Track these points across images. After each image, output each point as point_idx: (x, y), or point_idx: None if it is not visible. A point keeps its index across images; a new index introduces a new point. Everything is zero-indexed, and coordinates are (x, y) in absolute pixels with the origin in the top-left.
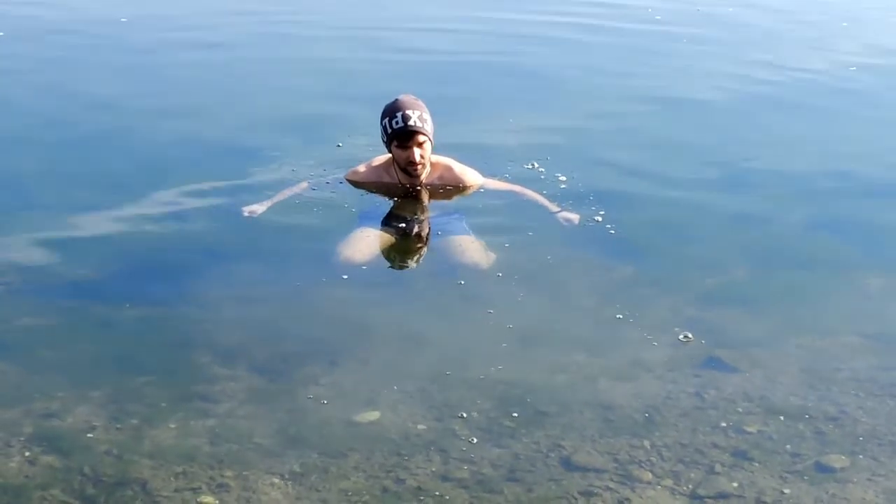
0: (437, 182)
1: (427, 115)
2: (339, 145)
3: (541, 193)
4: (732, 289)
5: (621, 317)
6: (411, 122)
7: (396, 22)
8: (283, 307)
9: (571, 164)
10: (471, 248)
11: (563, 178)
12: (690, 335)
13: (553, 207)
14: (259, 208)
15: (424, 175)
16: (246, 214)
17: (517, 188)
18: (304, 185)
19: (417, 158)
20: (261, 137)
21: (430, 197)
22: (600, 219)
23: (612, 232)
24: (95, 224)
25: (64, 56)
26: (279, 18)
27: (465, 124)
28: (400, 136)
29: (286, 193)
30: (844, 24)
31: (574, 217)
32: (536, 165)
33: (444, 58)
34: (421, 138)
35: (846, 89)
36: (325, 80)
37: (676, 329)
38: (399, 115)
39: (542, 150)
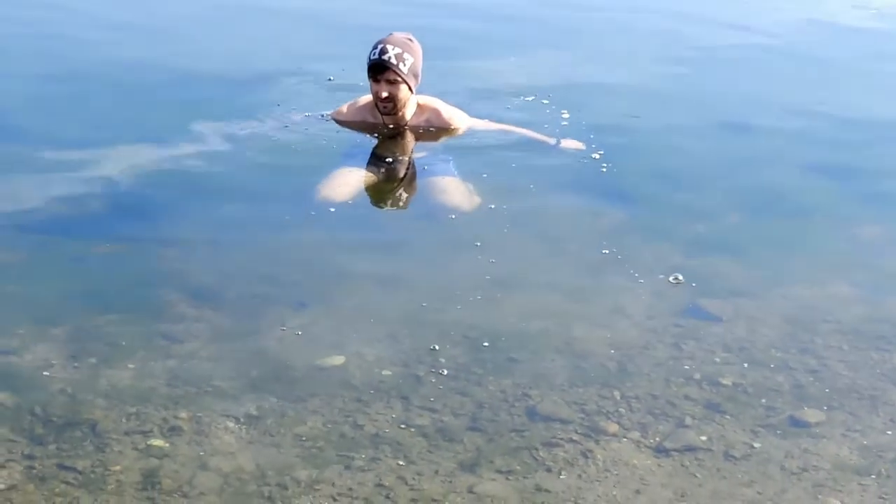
0: (423, 125)
1: (410, 57)
2: (330, 79)
3: (539, 130)
4: (722, 236)
5: (605, 262)
6: (385, 57)
7: None
8: (256, 247)
9: (577, 101)
10: (454, 190)
11: (566, 115)
12: (681, 277)
13: (550, 140)
14: None
15: (409, 116)
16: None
17: (507, 126)
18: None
19: (383, 95)
20: (248, 72)
21: (416, 138)
22: (597, 157)
23: (606, 173)
24: (75, 161)
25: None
26: None
27: (474, 59)
28: (372, 68)
29: None
30: None
31: (576, 144)
32: (543, 101)
33: None
34: (392, 76)
35: (851, 39)
36: (322, 13)
37: (661, 276)
38: (379, 47)
39: (549, 87)
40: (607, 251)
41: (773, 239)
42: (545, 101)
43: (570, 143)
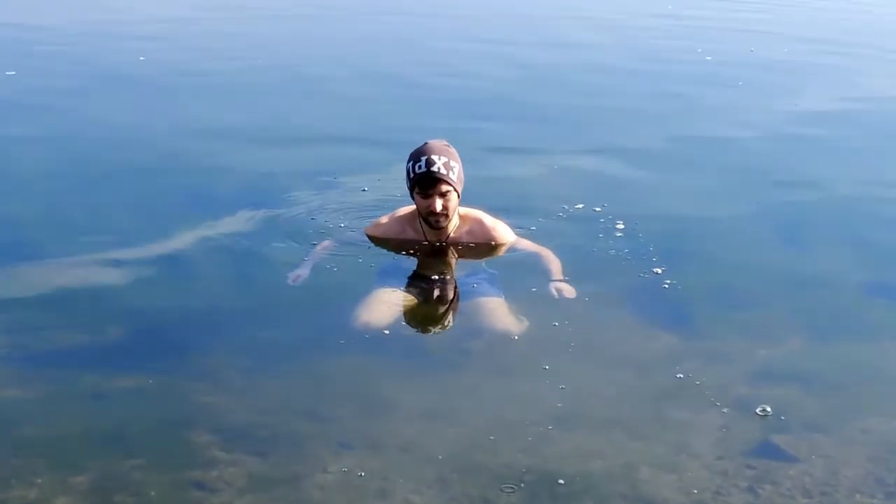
0: (465, 237)
1: (455, 164)
2: (364, 190)
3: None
4: (789, 362)
5: (666, 392)
6: (434, 168)
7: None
8: (293, 380)
9: (632, 209)
10: (500, 313)
11: (621, 226)
12: (769, 408)
13: (556, 276)
14: (304, 272)
15: (452, 229)
16: (290, 282)
17: (543, 251)
18: (328, 243)
19: (439, 208)
20: (280, 179)
21: (458, 254)
22: (659, 272)
23: (668, 290)
24: (92, 275)
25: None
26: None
27: (507, 163)
28: (422, 182)
29: (319, 253)
30: None
31: (568, 290)
32: (595, 209)
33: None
34: (444, 187)
35: None
36: (351, 117)
37: (726, 409)
38: (423, 159)
39: (595, 192)
40: (668, 379)
41: (844, 365)
42: (597, 210)
43: (560, 286)
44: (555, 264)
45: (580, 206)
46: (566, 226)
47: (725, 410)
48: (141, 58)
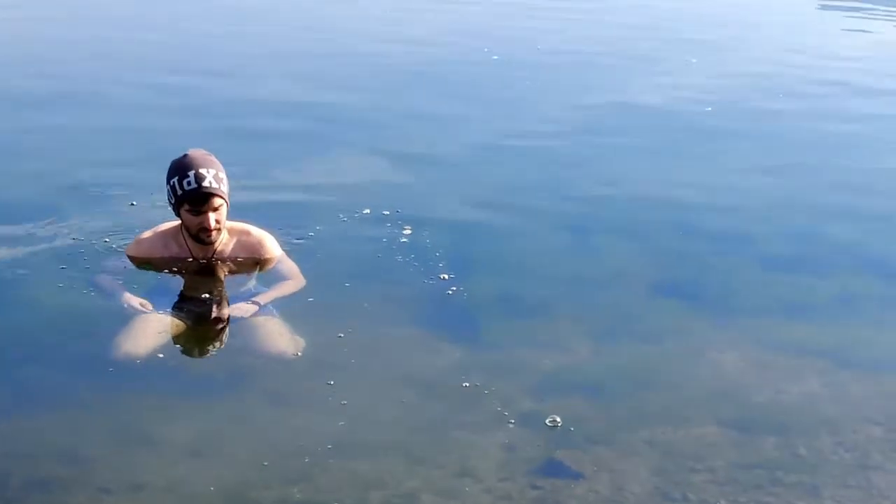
0: (232, 251)
1: (223, 174)
2: (132, 204)
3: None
4: (575, 371)
5: (449, 411)
6: (206, 183)
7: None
8: (46, 421)
9: (419, 213)
10: (275, 332)
11: (408, 231)
12: (558, 418)
13: (264, 297)
14: (139, 300)
15: (219, 243)
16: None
17: (294, 277)
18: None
19: (213, 224)
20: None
21: (226, 270)
22: (446, 277)
23: (454, 297)
24: None
25: None
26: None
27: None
28: (193, 199)
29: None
30: None
31: (245, 308)
32: (384, 212)
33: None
34: (217, 202)
35: None
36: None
37: (511, 423)
38: (192, 174)
39: (386, 196)
40: (453, 395)
41: (629, 372)
42: (385, 214)
43: (240, 306)
44: (281, 290)
45: (367, 210)
46: (351, 230)
47: (511, 425)
48: None
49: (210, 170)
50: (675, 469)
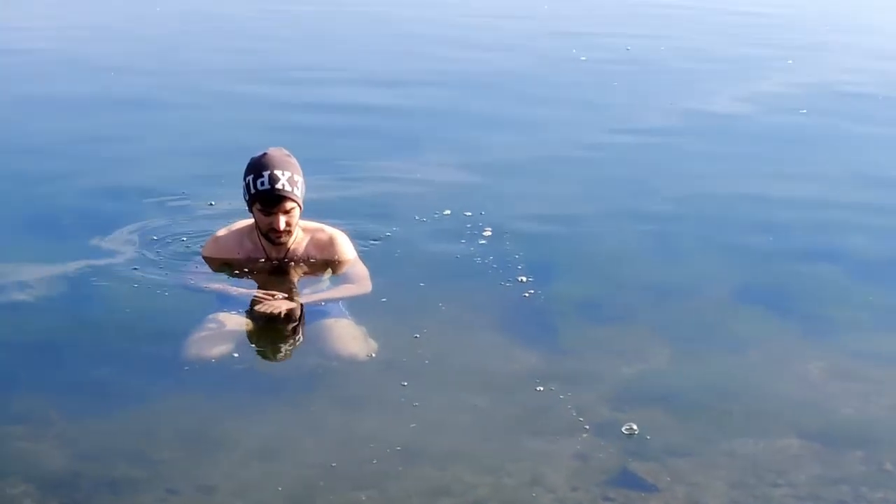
0: (306, 252)
1: (298, 177)
2: (211, 204)
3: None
4: (654, 381)
5: (522, 417)
6: (279, 185)
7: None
8: (118, 421)
9: (502, 216)
10: (348, 336)
11: (488, 233)
12: (635, 427)
13: (314, 296)
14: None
15: (292, 243)
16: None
17: (362, 282)
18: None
19: (282, 226)
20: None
21: (300, 271)
22: (524, 280)
23: (531, 300)
24: None
25: None
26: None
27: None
28: (264, 199)
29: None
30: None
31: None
32: (467, 213)
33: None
34: (288, 205)
35: None
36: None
37: (585, 432)
38: (266, 174)
39: (469, 199)
40: (527, 402)
41: (709, 382)
42: (467, 215)
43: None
44: (340, 292)
45: (448, 211)
46: (430, 230)
47: (585, 436)
48: None
49: (285, 172)
50: (754, 483)
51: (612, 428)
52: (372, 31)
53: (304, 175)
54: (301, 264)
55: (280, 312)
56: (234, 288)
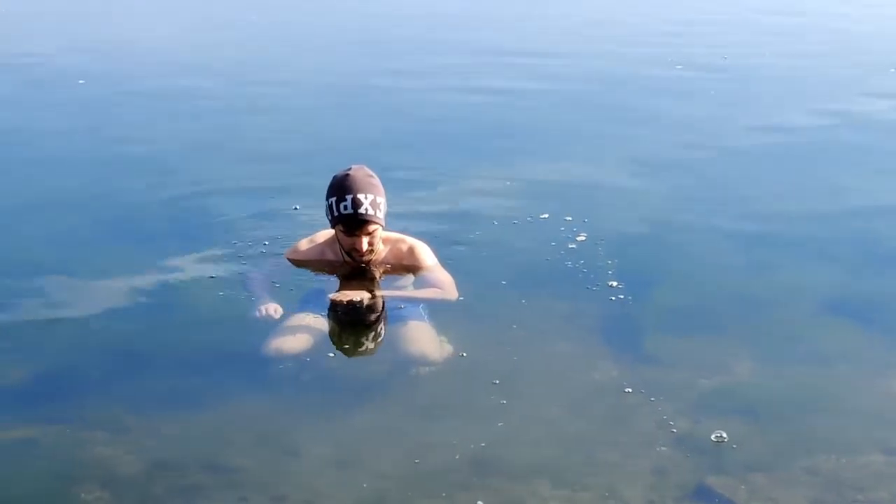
0: (386, 259)
1: (381, 198)
2: (295, 208)
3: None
4: (737, 393)
5: (599, 429)
6: (362, 210)
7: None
8: (194, 426)
9: (597, 221)
10: (424, 339)
11: (582, 238)
12: (725, 435)
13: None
14: (274, 306)
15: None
16: (263, 314)
17: (446, 286)
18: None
19: (364, 247)
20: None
21: (381, 276)
22: (614, 285)
23: (617, 305)
24: None
25: None
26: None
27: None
28: (347, 223)
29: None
30: None
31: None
32: (566, 217)
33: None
34: (371, 227)
35: None
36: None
37: (664, 446)
38: (349, 199)
39: (567, 202)
40: (604, 412)
41: (794, 395)
42: (567, 219)
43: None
44: (424, 294)
45: (545, 215)
46: (523, 233)
47: (663, 448)
48: (81, 81)
49: (368, 195)
50: (835, 500)
51: (690, 442)
52: (470, 35)
53: (405, 181)
54: (382, 266)
55: (361, 301)
56: (314, 289)
